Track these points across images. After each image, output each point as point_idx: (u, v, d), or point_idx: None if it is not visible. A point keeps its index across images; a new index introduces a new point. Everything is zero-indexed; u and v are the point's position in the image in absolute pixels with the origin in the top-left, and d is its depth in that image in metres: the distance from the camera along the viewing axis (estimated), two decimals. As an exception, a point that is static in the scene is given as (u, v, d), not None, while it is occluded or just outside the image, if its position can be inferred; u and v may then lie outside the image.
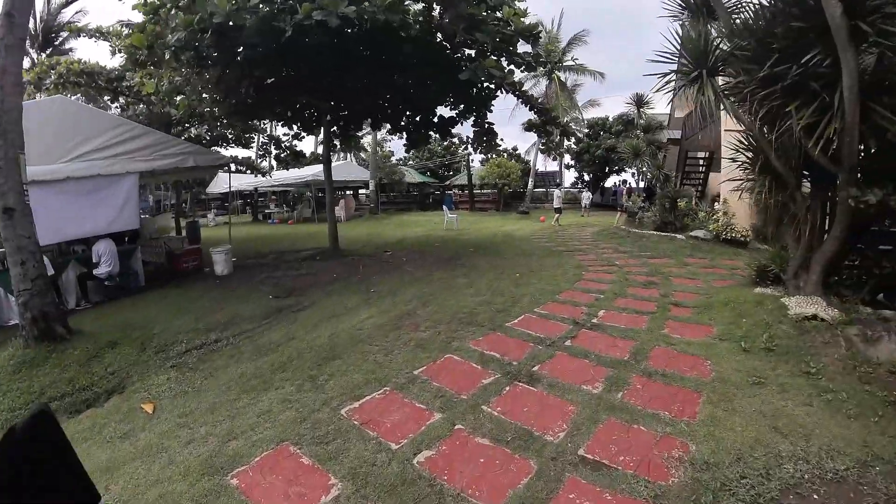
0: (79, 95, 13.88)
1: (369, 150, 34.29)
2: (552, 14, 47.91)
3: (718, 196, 16.78)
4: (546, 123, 11.67)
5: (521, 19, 8.95)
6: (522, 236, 14.88)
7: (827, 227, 5.45)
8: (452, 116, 11.90)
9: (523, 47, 9.80)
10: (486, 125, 11.65)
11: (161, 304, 8.05)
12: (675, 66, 6.06)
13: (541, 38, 9.35)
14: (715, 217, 12.00)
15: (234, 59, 8.72)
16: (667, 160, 18.90)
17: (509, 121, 60.98)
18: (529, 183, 27.06)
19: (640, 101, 17.92)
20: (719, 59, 5.57)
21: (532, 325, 5.47)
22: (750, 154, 6.21)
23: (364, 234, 17.93)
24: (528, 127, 11.32)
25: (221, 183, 28.60)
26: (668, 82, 6.07)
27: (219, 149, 16.26)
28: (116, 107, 15.72)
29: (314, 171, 28.27)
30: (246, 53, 8.22)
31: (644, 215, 13.99)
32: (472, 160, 41.32)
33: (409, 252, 12.21)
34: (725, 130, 12.23)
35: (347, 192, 34.24)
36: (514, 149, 38.19)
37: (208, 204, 36.77)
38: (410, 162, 42.08)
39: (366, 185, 32.66)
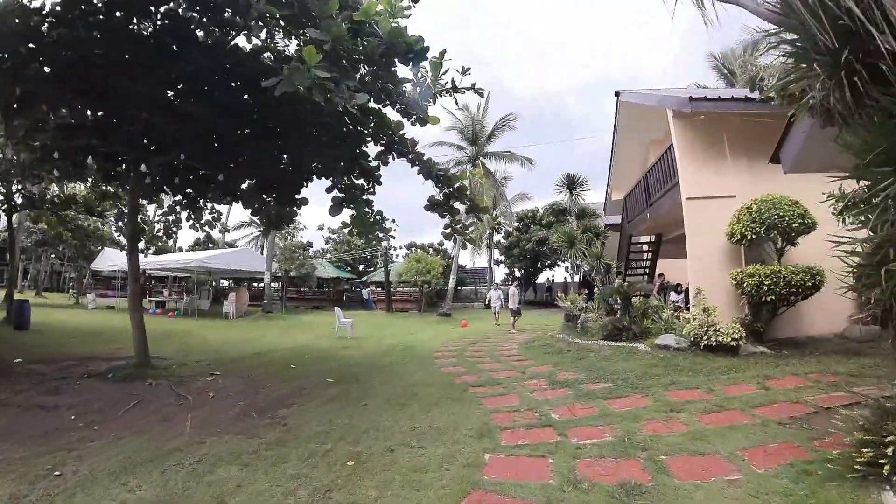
0: None
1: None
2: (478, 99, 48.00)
3: (678, 287, 13.67)
4: (450, 198, 7.91)
5: (393, 22, 5.55)
6: (426, 352, 10.67)
7: None
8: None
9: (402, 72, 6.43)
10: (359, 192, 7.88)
11: None
12: None
13: (427, 57, 6.02)
14: (687, 317, 8.47)
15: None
16: (605, 249, 15.99)
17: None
18: (450, 281, 23.40)
19: (572, 183, 15.34)
20: None
21: None
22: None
23: (228, 338, 13.40)
24: (430, 206, 7.60)
25: (107, 259, 23.62)
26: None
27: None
28: None
29: (204, 256, 23.42)
30: None
31: (587, 318, 10.38)
32: (395, 255, 38.03)
33: (243, 377, 7.82)
34: (688, 199, 9.18)
35: (242, 284, 29.09)
36: (440, 244, 35.18)
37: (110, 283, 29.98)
38: (328, 255, 37.95)
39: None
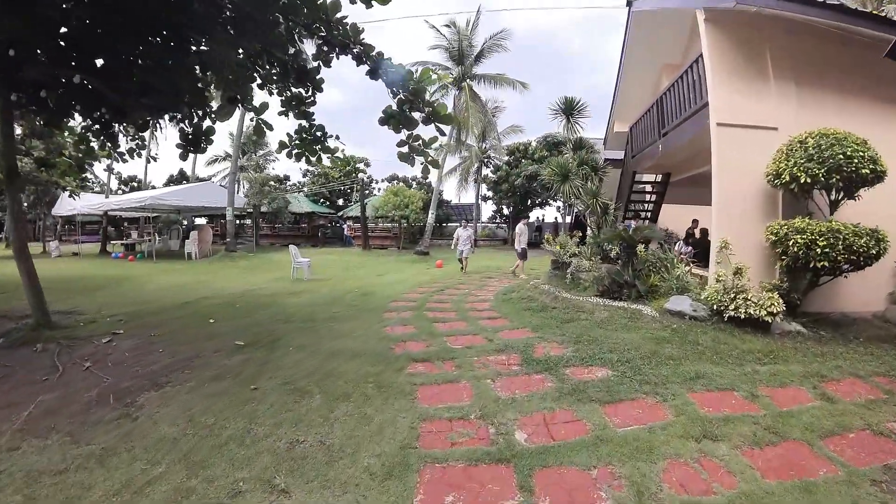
0: None
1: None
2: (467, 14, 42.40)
3: (689, 237, 11.82)
4: (405, 105, 5.64)
5: None
6: (381, 301, 8.84)
7: None
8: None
9: None
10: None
11: None
12: None
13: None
14: (705, 275, 6.67)
15: None
16: (603, 188, 13.98)
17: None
18: (429, 217, 21.26)
19: (569, 108, 13.02)
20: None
21: None
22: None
23: (173, 283, 11.57)
24: (384, 118, 5.38)
25: (66, 204, 21.22)
26: None
27: None
28: None
29: (160, 193, 21.09)
30: None
31: (579, 267, 8.51)
32: (377, 188, 35.67)
33: (145, 336, 6.18)
34: (719, 126, 7.11)
35: (204, 222, 26.91)
36: (425, 177, 32.78)
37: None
38: (305, 189, 35.49)
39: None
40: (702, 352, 5.07)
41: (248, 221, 30.43)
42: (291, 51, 5.52)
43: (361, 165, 35.71)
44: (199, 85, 5.94)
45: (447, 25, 21.31)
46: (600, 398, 3.93)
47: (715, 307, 6.07)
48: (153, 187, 33.16)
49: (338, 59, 5.53)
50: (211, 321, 7.16)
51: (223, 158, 34.20)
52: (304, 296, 9.62)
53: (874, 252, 5.72)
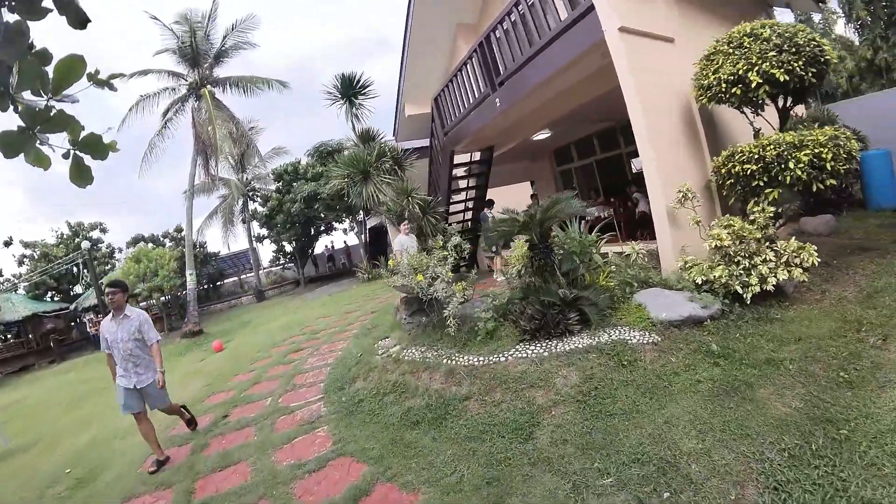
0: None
1: None
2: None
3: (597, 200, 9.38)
4: None
5: None
6: (116, 480, 4.12)
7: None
8: None
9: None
10: None
11: None
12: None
13: None
14: (676, 250, 4.15)
15: None
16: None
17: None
18: (188, 279, 15.19)
19: (349, 86, 9.69)
20: None
21: None
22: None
23: None
24: None
25: None
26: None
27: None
28: None
29: None
30: None
31: (448, 294, 5.08)
32: (118, 257, 26.73)
33: None
34: (622, 32, 4.57)
35: None
36: (178, 228, 25.53)
37: None
38: (22, 284, 24.33)
39: None
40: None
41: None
42: None
43: (95, 233, 26.30)
44: None
45: (178, 22, 15.65)
46: None
47: (731, 289, 3.61)
48: None
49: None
50: None
51: None
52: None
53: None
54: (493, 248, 9.57)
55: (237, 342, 10.90)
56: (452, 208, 11.19)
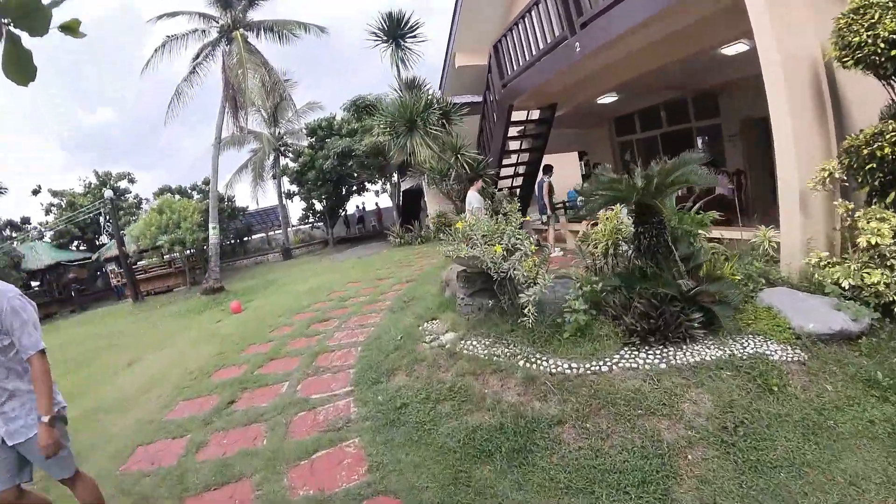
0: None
1: None
2: None
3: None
4: None
5: None
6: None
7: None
8: None
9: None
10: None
11: None
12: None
13: None
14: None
15: None
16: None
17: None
18: (210, 234, 14.29)
19: (396, 27, 8.38)
20: None
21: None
22: None
23: None
24: None
25: None
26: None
27: None
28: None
29: None
30: None
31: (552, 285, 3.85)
32: (144, 208, 26.33)
33: None
34: None
35: None
36: (205, 181, 24.94)
37: None
38: (49, 232, 24.45)
39: None
40: None
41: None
42: None
43: (124, 183, 26.20)
44: None
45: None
46: None
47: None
48: None
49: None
50: None
51: None
52: None
53: None
54: (545, 217, 8.26)
55: (258, 303, 10.01)
56: (502, 172, 9.91)
